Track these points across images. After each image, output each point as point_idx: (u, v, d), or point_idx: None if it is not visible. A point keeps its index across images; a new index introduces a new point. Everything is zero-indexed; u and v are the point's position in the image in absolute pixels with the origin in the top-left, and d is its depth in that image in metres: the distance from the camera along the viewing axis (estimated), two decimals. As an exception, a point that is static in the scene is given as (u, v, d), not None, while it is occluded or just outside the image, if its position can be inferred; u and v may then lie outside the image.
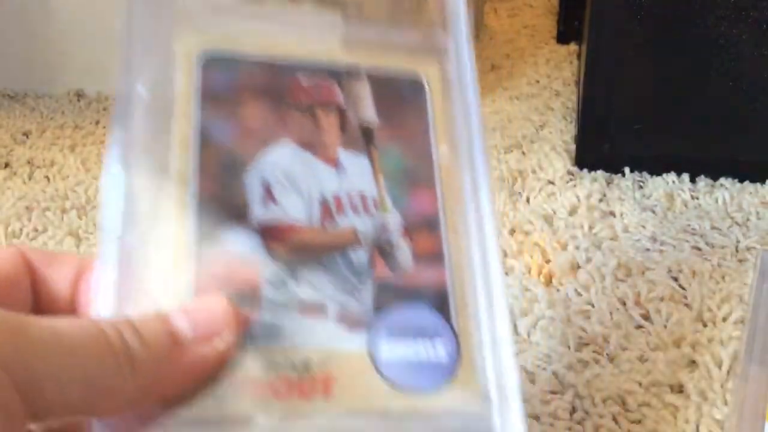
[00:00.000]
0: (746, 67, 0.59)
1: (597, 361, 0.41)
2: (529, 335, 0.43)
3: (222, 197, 0.26)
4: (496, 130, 0.75)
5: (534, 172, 0.66)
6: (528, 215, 0.58)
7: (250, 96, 0.28)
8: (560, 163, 0.66)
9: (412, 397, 0.24)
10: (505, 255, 0.52)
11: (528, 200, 0.61)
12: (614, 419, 0.37)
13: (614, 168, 0.65)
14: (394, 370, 0.25)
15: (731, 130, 0.61)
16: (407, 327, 0.26)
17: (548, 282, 0.49)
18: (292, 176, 0.27)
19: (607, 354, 0.42)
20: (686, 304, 0.46)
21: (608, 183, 0.63)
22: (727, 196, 0.60)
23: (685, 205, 0.59)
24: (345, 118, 0.29)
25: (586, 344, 0.43)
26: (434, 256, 0.27)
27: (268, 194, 0.26)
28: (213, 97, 0.27)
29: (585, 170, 0.65)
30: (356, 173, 0.28)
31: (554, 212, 0.59)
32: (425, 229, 0.27)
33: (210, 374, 0.23)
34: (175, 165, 0.26)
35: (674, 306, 0.46)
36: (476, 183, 0.29)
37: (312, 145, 0.28)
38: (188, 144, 0.26)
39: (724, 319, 0.45)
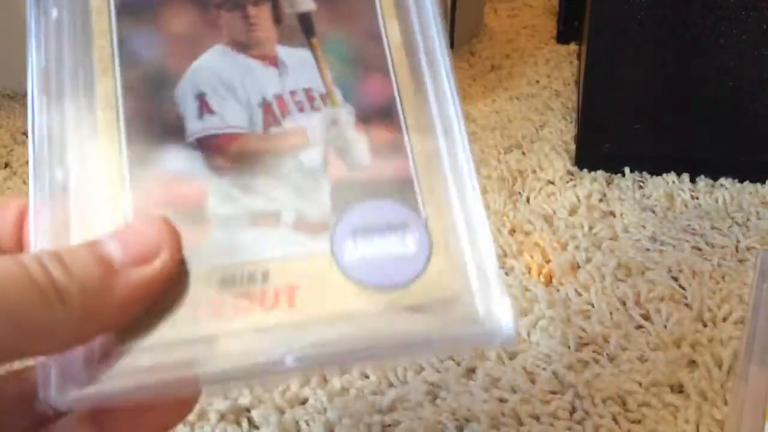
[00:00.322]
0: (746, 67, 0.59)
1: (597, 361, 0.41)
2: (529, 335, 0.43)
3: (153, 116, 0.24)
4: (496, 130, 0.75)
5: (534, 172, 0.66)
6: (528, 215, 0.58)
7: (171, 2, 0.26)
8: (560, 163, 0.66)
9: (384, 295, 0.23)
10: (505, 255, 0.52)
11: (528, 200, 0.61)
12: (614, 419, 0.37)
13: (614, 168, 0.65)
14: (362, 270, 0.23)
15: (731, 130, 0.61)
16: (371, 223, 0.24)
17: (548, 282, 0.49)
18: (228, 82, 0.25)
19: (607, 354, 0.42)
20: (686, 304, 0.46)
21: (608, 183, 0.63)
22: (727, 196, 0.60)
23: (685, 205, 0.59)
24: (279, 10, 0.26)
25: (586, 344, 0.43)
26: (394, 146, 0.25)
27: (204, 105, 0.25)
28: (131, 9, 0.25)
29: (585, 170, 0.65)
30: (298, 69, 0.26)
31: (554, 212, 0.59)
32: (381, 118, 0.26)
33: (155, 297, 0.22)
34: (100, 88, 0.25)
35: (674, 306, 0.46)
36: (433, 60, 0.26)
37: (246, 44, 0.26)
38: (111, 64, 0.25)
39: (724, 319, 0.45)
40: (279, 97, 0.26)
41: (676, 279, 0.49)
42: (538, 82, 0.90)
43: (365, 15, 0.27)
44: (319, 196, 0.25)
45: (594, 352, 0.42)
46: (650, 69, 0.61)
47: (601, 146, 0.64)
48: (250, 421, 0.38)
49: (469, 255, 0.24)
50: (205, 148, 0.24)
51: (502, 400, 0.38)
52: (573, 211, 0.59)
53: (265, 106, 0.25)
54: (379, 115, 0.26)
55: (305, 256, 0.24)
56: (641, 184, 0.63)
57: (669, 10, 0.58)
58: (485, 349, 0.42)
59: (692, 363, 0.41)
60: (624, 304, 0.46)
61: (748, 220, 0.57)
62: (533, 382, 0.40)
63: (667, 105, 0.62)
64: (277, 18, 0.26)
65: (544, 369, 0.41)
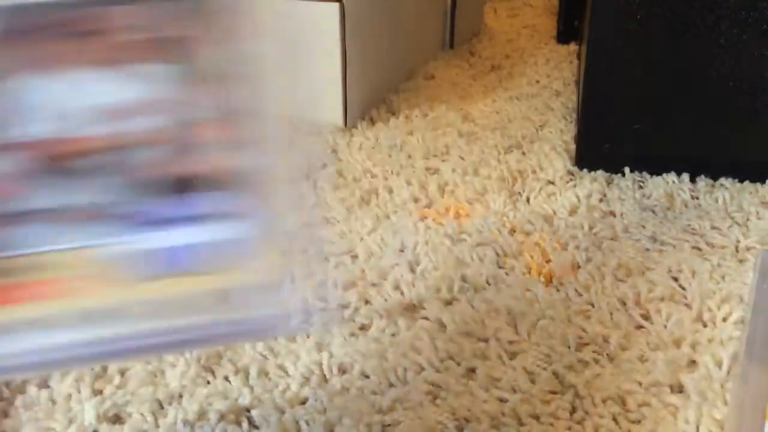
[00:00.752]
0: (746, 67, 0.59)
1: (597, 361, 0.41)
2: (529, 335, 0.43)
3: None
4: (496, 130, 0.75)
5: (534, 172, 0.66)
6: (528, 215, 0.58)
7: (39, 33, 0.27)
8: (560, 163, 0.66)
9: (175, 281, 0.24)
10: (506, 255, 0.52)
11: (528, 200, 0.61)
12: (614, 419, 0.37)
13: (614, 168, 0.65)
14: (156, 259, 0.24)
15: (731, 130, 0.61)
16: (192, 212, 0.25)
17: (548, 282, 0.49)
18: (55, 97, 0.26)
19: (607, 354, 0.42)
20: (686, 304, 0.46)
21: (608, 183, 0.63)
22: (727, 196, 0.60)
23: (685, 205, 0.59)
24: (144, 36, 0.28)
25: (586, 344, 0.43)
26: (234, 143, 0.27)
27: (27, 116, 0.26)
28: None
29: (585, 170, 0.65)
30: (149, 80, 0.27)
31: (554, 212, 0.59)
32: (227, 119, 0.27)
33: None
34: None
35: (674, 306, 0.46)
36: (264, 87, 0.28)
37: (98, 62, 0.27)
38: None
39: (724, 319, 0.45)
40: (117, 106, 0.27)
41: (676, 279, 0.49)
42: (538, 82, 0.90)
43: (227, 37, 0.29)
44: (137, 190, 0.25)
45: (594, 352, 0.42)
46: (650, 69, 0.61)
47: (601, 146, 0.64)
48: (250, 421, 0.38)
49: (292, 246, 0.25)
50: (17, 151, 0.25)
51: (502, 400, 0.38)
52: (573, 211, 0.59)
53: (103, 112, 0.26)
54: (227, 116, 0.27)
55: (96, 247, 0.24)
56: (641, 183, 0.63)
57: (669, 10, 0.58)
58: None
59: (692, 363, 0.41)
60: (624, 304, 0.46)
61: (748, 220, 0.57)
62: (533, 382, 0.40)
63: (667, 105, 0.62)
64: (140, 43, 0.28)
65: (545, 369, 0.41)
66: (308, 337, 0.43)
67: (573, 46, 1.03)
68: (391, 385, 0.39)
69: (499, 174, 0.65)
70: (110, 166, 0.25)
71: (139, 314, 0.23)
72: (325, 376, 0.41)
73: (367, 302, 0.47)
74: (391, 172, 0.66)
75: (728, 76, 0.59)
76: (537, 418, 0.37)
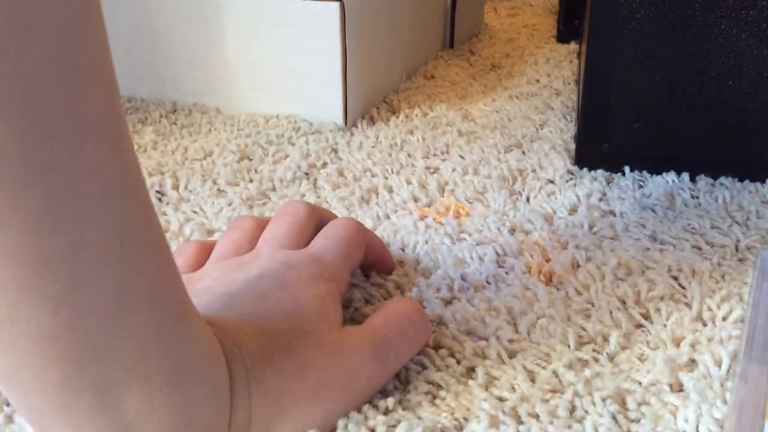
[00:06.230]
0: (745, 66, 0.59)
1: (597, 360, 0.42)
2: (529, 334, 0.43)
3: None
4: (496, 129, 0.75)
5: (534, 171, 0.66)
6: (528, 214, 0.58)
7: None
8: (560, 162, 0.67)
9: None
10: (505, 254, 0.52)
11: (528, 199, 0.61)
12: (614, 418, 0.37)
13: (614, 167, 0.65)
14: None
15: (731, 129, 0.61)
16: None
17: (548, 281, 0.49)
18: None
19: (606, 353, 0.42)
20: (686, 303, 0.46)
21: (608, 182, 0.63)
22: (727, 195, 0.60)
23: (685, 204, 0.59)
24: None
25: (586, 343, 0.43)
26: None
27: None
28: None
29: (585, 169, 0.65)
30: None
31: (554, 211, 0.59)
32: None
33: None
34: None
35: (674, 305, 0.46)
36: None
37: None
38: None
39: (724, 319, 0.45)
40: None
41: (676, 278, 0.49)
42: (538, 81, 0.91)
43: None
44: None
45: (594, 351, 0.42)
46: (650, 68, 0.61)
47: (601, 145, 0.64)
48: (251, 421, 0.38)
49: None
50: None
51: (501, 399, 0.39)
52: (573, 210, 0.59)
53: None
54: None
55: None
56: (641, 183, 0.63)
57: (669, 9, 0.58)
58: (486, 348, 0.42)
59: (692, 362, 0.41)
60: (624, 303, 0.46)
61: (748, 219, 0.57)
62: (533, 380, 0.40)
63: (667, 104, 0.62)
64: None
65: (544, 368, 0.41)
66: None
67: (573, 46, 1.04)
68: (395, 387, 0.39)
69: (499, 173, 0.65)
70: None
71: None
72: (325, 375, 0.41)
73: (367, 302, 0.47)
74: (392, 171, 0.66)
75: (728, 75, 0.59)
76: (536, 416, 0.37)
